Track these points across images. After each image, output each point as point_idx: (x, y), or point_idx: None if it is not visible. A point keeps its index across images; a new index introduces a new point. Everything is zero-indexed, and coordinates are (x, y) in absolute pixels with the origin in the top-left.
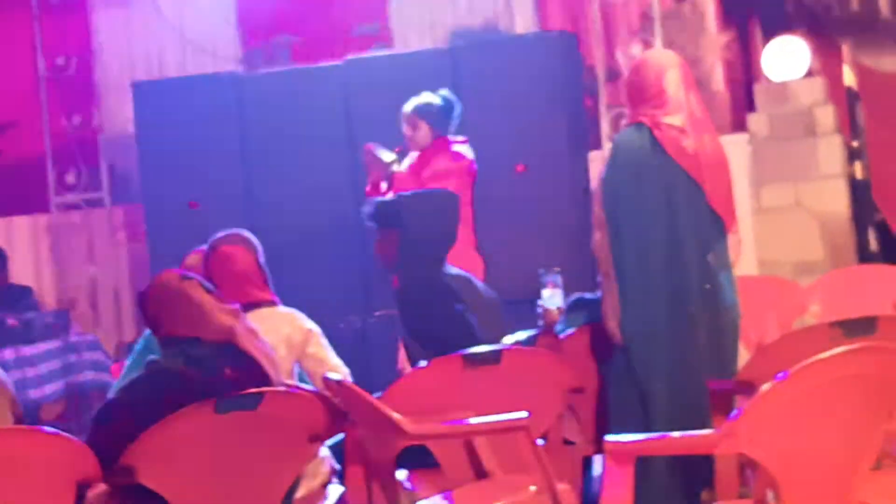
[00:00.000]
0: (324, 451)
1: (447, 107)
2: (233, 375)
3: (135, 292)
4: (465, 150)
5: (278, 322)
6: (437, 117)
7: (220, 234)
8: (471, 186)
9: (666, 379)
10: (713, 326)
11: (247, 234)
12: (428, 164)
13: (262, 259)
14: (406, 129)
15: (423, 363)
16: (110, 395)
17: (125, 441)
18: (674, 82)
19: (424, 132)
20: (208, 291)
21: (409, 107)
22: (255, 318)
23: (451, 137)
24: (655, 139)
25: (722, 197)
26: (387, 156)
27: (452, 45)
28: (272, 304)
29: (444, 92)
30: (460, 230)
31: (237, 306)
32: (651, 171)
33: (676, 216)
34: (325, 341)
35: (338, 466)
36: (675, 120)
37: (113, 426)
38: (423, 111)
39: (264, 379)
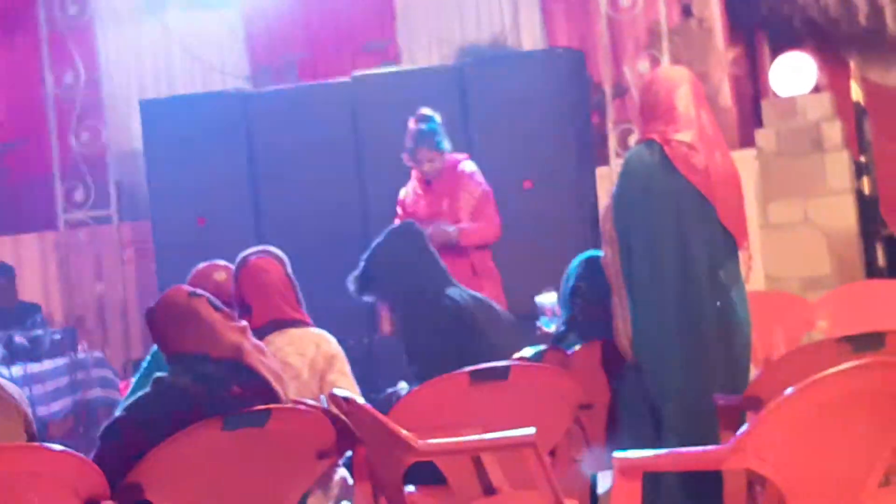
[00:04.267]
0: (341, 472)
1: (440, 125)
2: (241, 392)
3: (143, 309)
4: (475, 167)
5: (306, 344)
6: (441, 140)
7: (250, 250)
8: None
9: (678, 396)
10: (725, 343)
11: (276, 250)
12: (454, 194)
13: (292, 276)
14: (424, 165)
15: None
16: (118, 412)
17: (133, 458)
18: (684, 99)
19: (440, 160)
20: (217, 309)
21: (420, 143)
22: (284, 339)
23: (456, 157)
24: (666, 156)
25: (733, 213)
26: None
27: (460, 62)
28: (303, 324)
29: (424, 111)
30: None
31: (245, 324)
32: (662, 188)
33: (687, 233)
34: (347, 368)
35: (351, 482)
36: (686, 137)
37: (120, 443)
38: (433, 143)
39: (272, 396)
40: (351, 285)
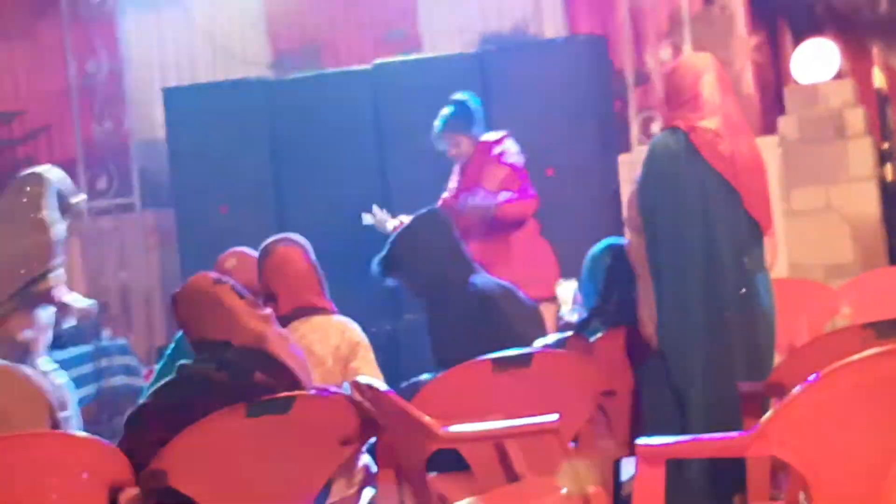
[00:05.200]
0: (364, 459)
1: (472, 110)
2: (264, 380)
3: (166, 296)
4: (510, 147)
5: (330, 332)
6: (470, 125)
7: (274, 238)
8: (528, 179)
9: (701, 383)
10: (749, 330)
11: (298, 237)
12: (481, 175)
13: (316, 263)
14: (450, 150)
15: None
16: (142, 399)
17: (157, 445)
18: (709, 86)
19: (467, 143)
20: (241, 296)
21: (442, 128)
22: (308, 327)
23: (488, 139)
24: (691, 143)
25: (758, 200)
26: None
27: (482, 50)
28: (327, 311)
29: (459, 96)
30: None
31: (269, 311)
32: (687, 175)
33: (713, 220)
34: (370, 355)
35: (375, 469)
36: (711, 124)
37: (144, 430)
38: (458, 127)
39: (295, 383)
40: (375, 267)
